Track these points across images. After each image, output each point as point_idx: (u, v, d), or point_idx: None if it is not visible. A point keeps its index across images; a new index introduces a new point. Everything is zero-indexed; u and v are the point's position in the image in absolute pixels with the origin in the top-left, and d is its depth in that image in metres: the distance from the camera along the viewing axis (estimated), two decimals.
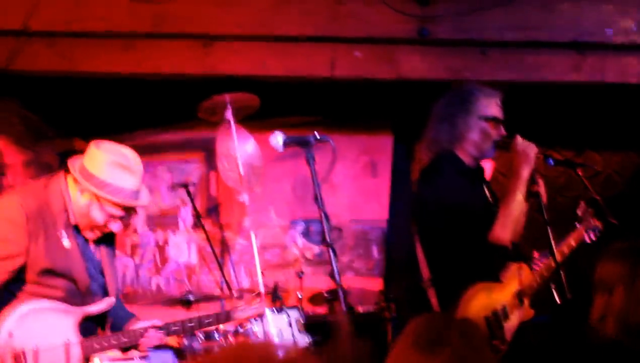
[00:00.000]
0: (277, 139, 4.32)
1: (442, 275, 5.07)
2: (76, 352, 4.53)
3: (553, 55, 6.86)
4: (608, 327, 3.62)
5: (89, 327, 4.69)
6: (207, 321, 4.90)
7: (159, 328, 4.79)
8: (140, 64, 6.88)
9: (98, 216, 4.58)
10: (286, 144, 4.34)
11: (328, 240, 4.17)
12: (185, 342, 6.32)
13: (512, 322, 5.01)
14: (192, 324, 4.84)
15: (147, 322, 4.85)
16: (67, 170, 4.64)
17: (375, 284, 8.39)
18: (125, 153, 4.65)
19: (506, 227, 4.96)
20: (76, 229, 4.63)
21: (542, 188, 5.07)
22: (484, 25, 6.69)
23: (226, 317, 5.04)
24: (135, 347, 4.78)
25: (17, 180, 8.10)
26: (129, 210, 4.73)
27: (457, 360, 2.52)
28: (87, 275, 4.67)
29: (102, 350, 4.65)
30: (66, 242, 4.57)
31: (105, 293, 4.80)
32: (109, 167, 4.54)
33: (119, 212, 4.61)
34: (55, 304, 4.50)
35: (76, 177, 4.53)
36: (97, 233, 4.70)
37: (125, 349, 4.76)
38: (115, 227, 4.67)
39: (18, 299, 4.48)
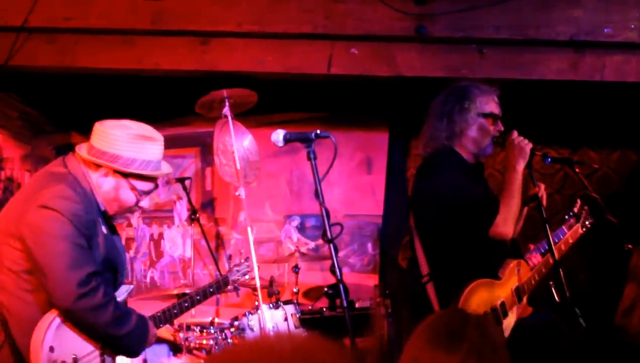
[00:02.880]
0: (279, 134, 4.22)
1: (442, 270, 5.01)
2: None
3: (550, 53, 6.80)
4: (634, 318, 3.56)
5: None
6: (210, 290, 5.01)
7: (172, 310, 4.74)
8: (139, 60, 6.81)
9: (129, 196, 4.39)
10: (287, 140, 4.23)
11: (329, 235, 4.06)
12: (180, 335, 6.26)
13: (510, 319, 4.99)
14: (199, 297, 4.90)
15: None
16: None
17: (370, 280, 8.34)
18: (135, 124, 4.42)
19: (507, 222, 4.94)
20: (104, 216, 4.41)
21: (542, 191, 5.05)
22: (481, 23, 6.62)
23: (224, 281, 5.20)
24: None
25: (14, 174, 8.04)
26: (156, 182, 4.52)
27: (474, 356, 2.49)
28: (123, 263, 4.54)
29: None
30: (104, 229, 4.36)
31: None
32: (131, 142, 4.31)
33: (149, 186, 4.44)
34: None
35: (99, 163, 4.29)
36: (129, 216, 4.55)
37: None
38: (145, 203, 4.48)
39: (39, 306, 4.22)
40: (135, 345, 4.39)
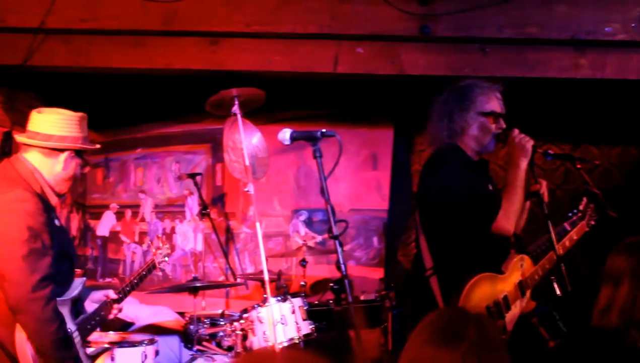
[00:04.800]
0: (285, 133, 4.17)
1: (445, 264, 4.94)
2: (78, 339, 4.48)
3: (552, 52, 6.78)
4: (611, 319, 3.49)
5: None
6: (144, 273, 5.19)
7: (115, 300, 4.87)
8: (151, 60, 6.85)
9: (79, 170, 4.60)
10: (294, 138, 4.20)
11: (334, 232, 4.01)
12: (191, 327, 6.22)
13: (513, 313, 4.91)
14: (136, 281, 5.09)
15: (101, 291, 4.92)
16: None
17: (376, 273, 8.30)
18: (61, 109, 4.64)
19: (509, 218, 4.87)
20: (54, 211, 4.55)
21: (543, 188, 5.02)
22: (483, 23, 6.62)
23: (152, 265, 5.31)
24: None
25: None
26: None
27: (474, 355, 2.46)
28: (75, 252, 4.73)
29: (92, 329, 4.69)
30: (57, 222, 4.50)
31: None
32: (78, 123, 4.57)
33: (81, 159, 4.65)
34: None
35: (64, 147, 4.47)
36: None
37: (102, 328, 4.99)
38: None
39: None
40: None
